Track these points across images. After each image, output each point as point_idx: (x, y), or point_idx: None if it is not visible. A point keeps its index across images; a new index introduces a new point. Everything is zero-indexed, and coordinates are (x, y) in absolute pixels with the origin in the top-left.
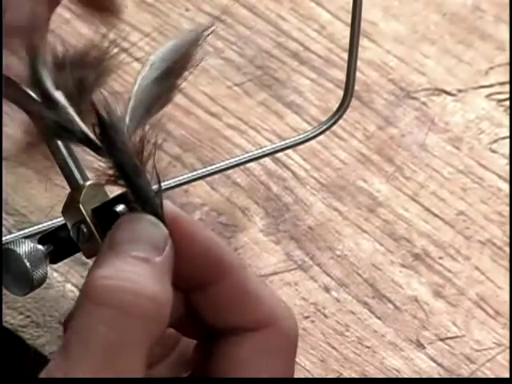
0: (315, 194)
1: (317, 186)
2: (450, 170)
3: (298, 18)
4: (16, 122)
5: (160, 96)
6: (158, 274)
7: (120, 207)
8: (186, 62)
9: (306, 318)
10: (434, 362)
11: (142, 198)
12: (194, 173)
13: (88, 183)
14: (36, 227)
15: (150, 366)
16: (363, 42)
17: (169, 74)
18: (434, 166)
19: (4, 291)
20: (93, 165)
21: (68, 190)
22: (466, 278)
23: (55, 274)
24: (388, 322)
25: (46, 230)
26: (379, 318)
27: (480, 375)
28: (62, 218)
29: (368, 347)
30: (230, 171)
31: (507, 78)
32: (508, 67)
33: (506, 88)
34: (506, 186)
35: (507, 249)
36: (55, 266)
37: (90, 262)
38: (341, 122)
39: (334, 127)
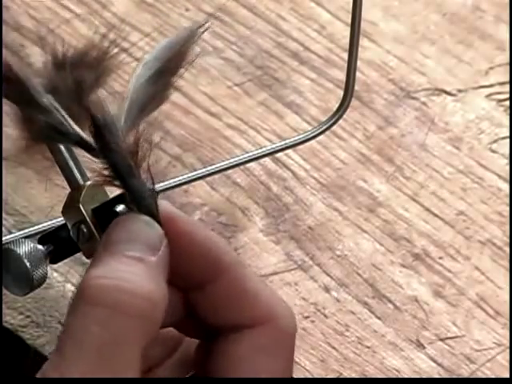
0: (315, 194)
1: (317, 186)
2: (450, 169)
3: (298, 18)
4: (16, 122)
5: (155, 95)
6: (153, 273)
7: (120, 207)
8: (180, 59)
9: (306, 317)
10: (434, 362)
11: (137, 199)
12: (194, 173)
13: (88, 183)
14: (36, 227)
15: (152, 367)
16: (363, 41)
17: (163, 73)
18: (434, 165)
19: (4, 291)
20: (92, 165)
21: (68, 189)
22: (465, 278)
23: (55, 274)
24: (388, 322)
25: (45, 230)
26: (379, 318)
27: (480, 375)
28: (62, 218)
29: (368, 347)
30: (230, 171)
31: (507, 78)
32: (508, 67)
33: (506, 88)
34: (506, 186)
35: (507, 249)
36: (55, 266)
37: (90, 262)
38: (341, 121)
39: (334, 127)
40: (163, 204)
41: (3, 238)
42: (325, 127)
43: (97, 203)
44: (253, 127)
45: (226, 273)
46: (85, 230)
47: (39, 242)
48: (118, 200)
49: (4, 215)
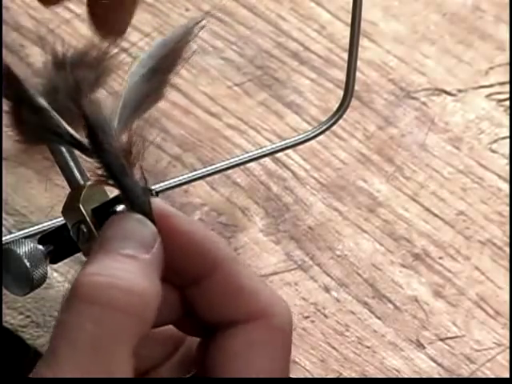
0: (315, 194)
1: (317, 186)
2: (450, 169)
3: (298, 18)
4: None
5: (149, 93)
6: (147, 270)
7: (120, 207)
8: (176, 57)
9: (306, 317)
10: (434, 362)
11: (130, 197)
12: (194, 173)
13: (88, 183)
14: (36, 227)
15: (154, 366)
16: (363, 41)
17: (158, 70)
18: (434, 165)
19: (4, 291)
20: (89, 165)
21: (68, 189)
22: (465, 278)
23: (55, 274)
24: (388, 322)
25: (45, 230)
26: (379, 318)
27: (480, 375)
28: (62, 218)
29: (368, 347)
30: (230, 171)
31: (507, 78)
32: (508, 67)
33: (506, 88)
34: (506, 186)
35: (507, 249)
36: (55, 265)
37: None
38: (341, 121)
39: (334, 127)
40: (157, 202)
41: (3, 238)
42: (325, 127)
43: (97, 203)
44: (253, 127)
45: (221, 268)
46: (85, 230)
47: (39, 242)
48: (117, 200)
49: (4, 215)
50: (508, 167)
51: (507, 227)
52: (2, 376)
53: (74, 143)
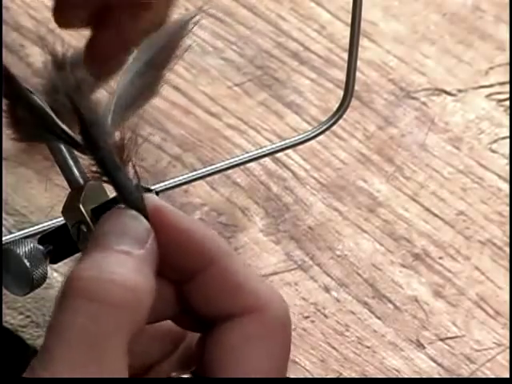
0: (315, 194)
1: (317, 186)
2: (450, 170)
3: (298, 18)
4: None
5: (143, 89)
6: (140, 265)
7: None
8: (169, 52)
9: (306, 317)
10: (434, 362)
11: (124, 194)
12: (194, 173)
13: (88, 183)
14: (36, 227)
15: (155, 363)
16: (363, 41)
17: (152, 66)
18: (434, 165)
19: (4, 291)
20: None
21: (68, 189)
22: (465, 278)
23: (55, 274)
24: (388, 322)
25: (45, 230)
26: (379, 318)
27: (480, 375)
28: (62, 218)
29: (368, 347)
30: (230, 171)
31: (507, 78)
32: (508, 67)
33: (506, 88)
34: (506, 186)
35: (507, 249)
36: (55, 265)
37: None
38: (341, 121)
39: (334, 127)
40: (151, 198)
41: (3, 238)
42: (325, 127)
43: (97, 203)
44: (253, 127)
45: (216, 262)
46: (85, 230)
47: (39, 242)
48: (117, 200)
49: (4, 215)
50: (508, 167)
51: (507, 227)
52: (2, 376)
53: (68, 140)
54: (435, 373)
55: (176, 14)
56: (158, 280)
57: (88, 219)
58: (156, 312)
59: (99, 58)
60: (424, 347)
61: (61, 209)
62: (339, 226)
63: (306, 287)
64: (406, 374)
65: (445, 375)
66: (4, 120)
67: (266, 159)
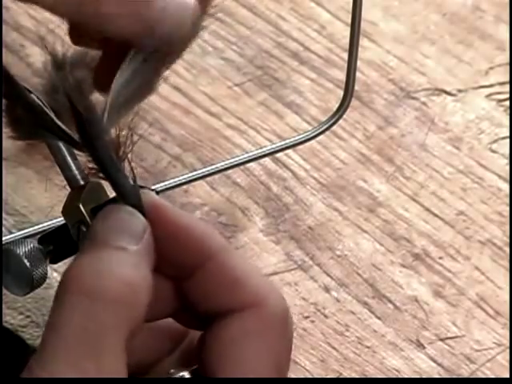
0: (315, 194)
1: (317, 186)
2: (450, 169)
3: (298, 18)
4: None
5: (140, 86)
6: (136, 261)
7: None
8: (167, 49)
9: (306, 318)
10: (434, 362)
11: (120, 190)
12: (194, 173)
13: (88, 183)
14: (36, 227)
15: (157, 359)
16: (363, 41)
17: (149, 63)
18: (434, 165)
19: (4, 291)
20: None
21: (68, 190)
22: (465, 278)
23: (55, 274)
24: (388, 322)
25: (45, 230)
26: (379, 318)
27: (480, 375)
28: (62, 218)
29: (368, 347)
30: (229, 171)
31: (507, 78)
32: (508, 67)
33: (506, 88)
34: (506, 186)
35: (507, 249)
36: (55, 265)
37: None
38: (341, 121)
39: (334, 127)
40: (148, 194)
41: (3, 238)
42: (325, 127)
43: (97, 203)
44: (253, 127)
45: (214, 257)
46: (85, 230)
47: (39, 242)
48: (117, 199)
49: (4, 215)
50: (508, 167)
51: (507, 227)
52: (2, 376)
53: (66, 138)
54: (435, 373)
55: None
56: (156, 277)
57: (88, 219)
58: (155, 309)
59: (107, 83)
60: (424, 347)
61: (61, 209)
62: (339, 226)
63: (306, 287)
64: (406, 374)
65: (445, 375)
66: (3, 119)
67: (266, 159)
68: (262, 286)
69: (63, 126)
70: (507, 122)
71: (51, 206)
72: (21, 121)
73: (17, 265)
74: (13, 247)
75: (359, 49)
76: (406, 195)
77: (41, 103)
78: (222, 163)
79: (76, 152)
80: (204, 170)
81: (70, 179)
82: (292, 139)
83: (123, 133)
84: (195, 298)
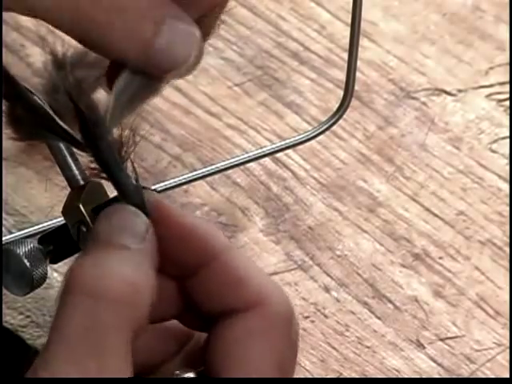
0: (315, 194)
1: (317, 186)
2: (450, 170)
3: (298, 18)
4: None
5: (144, 87)
6: (139, 260)
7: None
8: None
9: (306, 318)
10: (434, 362)
11: (123, 190)
12: (194, 173)
13: (88, 183)
14: (36, 227)
15: (163, 361)
16: (363, 41)
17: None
18: (434, 165)
19: (4, 291)
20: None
21: (68, 190)
22: (466, 278)
23: (55, 274)
24: (388, 322)
25: (45, 230)
26: (379, 318)
27: (480, 375)
28: (62, 218)
29: (368, 347)
30: (229, 171)
31: (507, 78)
32: (508, 67)
33: (506, 88)
34: (506, 186)
35: (507, 249)
36: (55, 265)
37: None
38: (341, 121)
39: (334, 127)
40: (151, 194)
41: (3, 238)
42: (325, 127)
43: (97, 203)
44: (253, 127)
45: (217, 257)
46: (85, 230)
47: (39, 242)
48: (117, 199)
49: (4, 215)
50: (508, 167)
51: (507, 227)
52: (2, 376)
53: (68, 138)
54: (435, 373)
55: None
56: (160, 277)
57: (88, 219)
58: (159, 309)
59: None
60: (424, 347)
61: (61, 209)
62: (339, 226)
63: (306, 287)
64: (406, 374)
65: (445, 375)
66: (4, 120)
67: (266, 159)
68: (266, 286)
69: (66, 127)
70: (507, 122)
71: (51, 206)
72: (22, 122)
73: (17, 265)
74: (13, 247)
75: (359, 49)
76: (406, 195)
77: (43, 104)
78: (222, 163)
79: (76, 152)
80: (204, 170)
81: (70, 179)
82: (292, 139)
83: (125, 133)
84: (199, 298)
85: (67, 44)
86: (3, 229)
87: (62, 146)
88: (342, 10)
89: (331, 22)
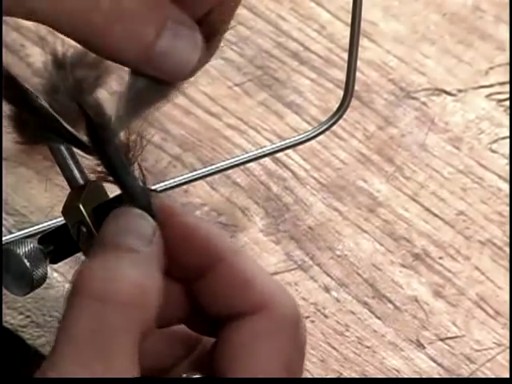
0: (315, 194)
1: (317, 186)
2: (450, 170)
3: (298, 18)
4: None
5: (151, 92)
6: (145, 263)
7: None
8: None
9: (306, 318)
10: (434, 362)
11: (130, 193)
12: (194, 173)
13: (88, 183)
14: (36, 227)
15: (171, 365)
16: (363, 41)
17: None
18: (434, 166)
19: (4, 291)
20: (89, 163)
21: (68, 189)
22: (465, 278)
23: (55, 274)
24: (388, 322)
25: (45, 230)
26: (379, 318)
27: (480, 375)
28: (62, 218)
29: (368, 347)
30: (230, 171)
31: (507, 78)
32: (508, 67)
33: (506, 88)
34: (506, 186)
35: (507, 249)
36: (55, 265)
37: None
38: (341, 121)
39: (334, 127)
40: (157, 197)
41: (3, 238)
42: (325, 127)
43: (97, 203)
44: (253, 127)
45: (224, 259)
46: (85, 230)
47: (39, 242)
48: (118, 199)
49: (4, 215)
50: (508, 167)
51: (507, 227)
52: (2, 376)
53: (74, 141)
54: (435, 373)
55: None
56: (167, 280)
57: (88, 219)
58: (166, 313)
59: None
60: (424, 347)
61: (61, 209)
62: (339, 226)
63: (306, 287)
64: (406, 374)
65: (445, 375)
66: (4, 120)
67: (266, 159)
68: (273, 288)
69: (72, 130)
70: (507, 122)
71: (51, 206)
72: (28, 125)
73: (17, 265)
74: (13, 247)
75: (359, 49)
76: (406, 195)
77: (48, 107)
78: (222, 163)
79: (76, 152)
80: (204, 170)
81: (70, 179)
82: (292, 139)
83: (132, 136)
84: (205, 301)
85: (67, 44)
86: (3, 229)
87: (62, 146)
88: (342, 10)
89: (331, 22)
